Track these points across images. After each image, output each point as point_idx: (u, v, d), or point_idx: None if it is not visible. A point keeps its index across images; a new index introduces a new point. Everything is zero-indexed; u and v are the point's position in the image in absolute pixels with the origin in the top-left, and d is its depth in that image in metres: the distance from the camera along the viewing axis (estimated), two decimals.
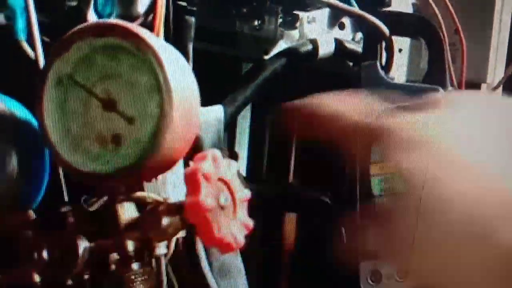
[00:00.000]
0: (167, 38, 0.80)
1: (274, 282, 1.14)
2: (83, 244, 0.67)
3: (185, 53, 0.83)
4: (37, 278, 0.69)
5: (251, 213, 0.71)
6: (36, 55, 0.72)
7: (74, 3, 0.77)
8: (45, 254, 0.68)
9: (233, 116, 0.94)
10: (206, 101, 0.85)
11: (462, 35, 0.99)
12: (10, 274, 0.69)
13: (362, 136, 0.57)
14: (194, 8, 0.84)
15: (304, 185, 1.13)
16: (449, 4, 0.98)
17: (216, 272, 0.86)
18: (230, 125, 0.95)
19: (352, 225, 0.95)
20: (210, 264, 0.86)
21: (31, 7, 0.72)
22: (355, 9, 0.93)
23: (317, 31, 1.01)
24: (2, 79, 0.71)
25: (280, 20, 0.96)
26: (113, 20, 0.76)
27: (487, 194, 0.55)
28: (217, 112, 0.91)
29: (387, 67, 0.98)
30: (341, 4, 0.92)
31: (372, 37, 0.96)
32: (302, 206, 1.04)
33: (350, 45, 1.03)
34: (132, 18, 0.79)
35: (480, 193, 0.55)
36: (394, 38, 0.97)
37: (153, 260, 0.71)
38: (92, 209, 0.72)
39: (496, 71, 1.06)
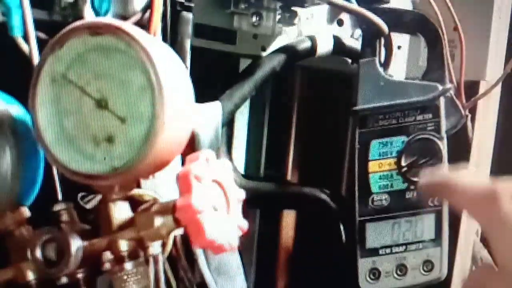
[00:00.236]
0: (164, 35, 0.80)
1: (272, 279, 1.14)
2: (76, 243, 0.67)
3: (182, 50, 0.82)
4: (30, 276, 0.69)
5: (247, 213, 0.71)
6: (31, 52, 0.71)
7: (71, 0, 0.77)
8: (38, 252, 0.67)
9: (231, 113, 0.94)
10: (203, 98, 0.84)
11: (461, 32, 0.98)
12: (3, 272, 0.69)
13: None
14: (192, 4, 0.83)
15: (302, 182, 1.13)
16: (448, 1, 0.97)
17: (214, 270, 0.86)
18: (228, 122, 0.95)
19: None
20: (208, 262, 0.85)
21: (26, 4, 0.71)
22: (354, 5, 0.93)
23: (315, 28, 1.01)
24: None
25: (278, 17, 0.95)
26: (106, 18, 0.76)
27: None
28: (214, 109, 0.90)
29: (386, 64, 0.98)
30: (339, 1, 0.91)
31: (371, 34, 0.96)
32: (300, 203, 1.03)
33: (349, 42, 1.02)
34: (129, 16, 0.79)
35: None
36: (393, 35, 0.97)
37: (150, 259, 0.71)
38: (88, 206, 0.72)
39: (495, 68, 1.06)
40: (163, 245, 0.74)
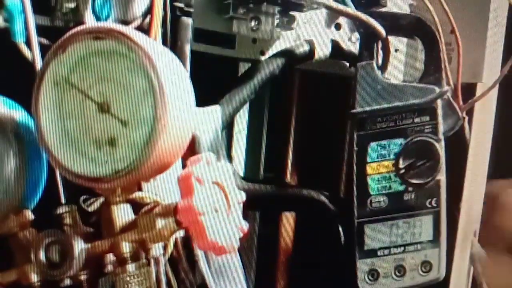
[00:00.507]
0: (164, 40, 0.80)
1: (272, 281, 1.14)
2: (79, 245, 0.67)
3: (182, 54, 0.83)
4: (34, 278, 0.69)
5: (247, 215, 0.72)
6: (33, 57, 0.72)
7: (72, 5, 0.77)
8: (42, 254, 0.68)
9: (231, 116, 0.94)
10: (203, 101, 0.85)
11: (458, 35, 0.99)
12: (7, 274, 0.70)
13: None
14: (191, 10, 0.84)
15: (301, 184, 1.13)
16: (444, 4, 0.98)
17: (214, 271, 0.86)
18: (227, 125, 0.95)
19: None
20: (208, 264, 0.86)
21: (28, 10, 0.72)
22: (351, 10, 0.93)
23: (313, 32, 1.01)
24: (0, 80, 0.71)
25: (276, 21, 0.96)
26: (108, 23, 0.76)
27: None
28: (214, 112, 0.91)
29: (383, 67, 0.98)
30: (337, 5, 0.92)
31: (368, 38, 0.97)
32: (299, 205, 1.04)
33: (347, 46, 1.03)
34: (129, 21, 0.79)
35: None
36: (390, 38, 0.98)
37: (152, 261, 0.72)
38: (91, 209, 0.73)
39: (491, 71, 1.06)
40: (165, 247, 0.74)
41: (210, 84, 0.87)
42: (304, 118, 1.12)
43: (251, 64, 0.98)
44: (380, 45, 0.97)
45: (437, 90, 0.95)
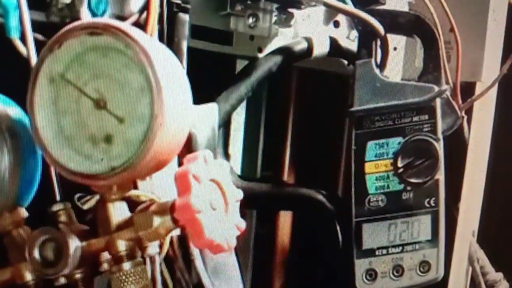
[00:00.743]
0: (161, 36, 0.80)
1: (268, 280, 1.14)
2: (74, 243, 0.67)
3: (179, 51, 0.82)
4: (28, 276, 0.69)
5: (243, 213, 0.71)
6: (28, 53, 0.71)
7: (68, 1, 0.77)
8: (36, 253, 0.67)
9: (228, 114, 0.94)
10: (200, 99, 0.84)
11: (457, 33, 0.98)
12: (1, 272, 0.69)
13: None
14: (188, 6, 0.83)
15: (299, 183, 1.13)
16: (444, 2, 0.98)
17: (210, 271, 0.86)
18: (224, 123, 0.95)
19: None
20: (204, 263, 0.85)
21: (23, 5, 0.71)
22: (350, 7, 0.93)
23: (311, 29, 1.01)
24: None
25: (274, 18, 0.95)
26: (104, 19, 0.76)
27: None
28: (211, 110, 0.90)
29: (382, 66, 0.98)
30: (335, 3, 0.91)
31: (367, 36, 0.96)
32: (297, 204, 1.03)
33: (345, 44, 1.02)
34: (125, 17, 0.79)
35: None
36: (389, 36, 0.97)
37: (147, 259, 0.71)
38: (86, 207, 0.72)
39: (491, 70, 1.06)
40: (160, 246, 0.74)
41: (207, 81, 0.87)
42: (302, 116, 1.12)
43: (249, 61, 0.97)
44: (378, 43, 0.97)
45: (436, 88, 0.94)
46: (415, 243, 0.94)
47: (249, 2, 0.92)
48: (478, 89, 1.07)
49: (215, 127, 0.90)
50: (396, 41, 1.06)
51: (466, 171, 1.08)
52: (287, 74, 1.09)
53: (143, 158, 0.62)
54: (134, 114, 0.62)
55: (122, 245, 0.67)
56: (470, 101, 1.03)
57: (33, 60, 0.71)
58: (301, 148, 1.13)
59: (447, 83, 0.98)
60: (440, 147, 0.94)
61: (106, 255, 0.69)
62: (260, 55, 0.97)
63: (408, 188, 0.94)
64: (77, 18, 0.76)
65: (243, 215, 0.71)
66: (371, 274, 0.95)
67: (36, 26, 0.73)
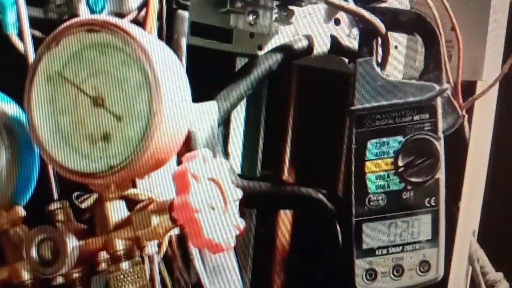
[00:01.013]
0: (160, 33, 0.79)
1: (268, 280, 1.14)
2: (72, 243, 0.66)
3: (178, 49, 0.82)
4: (25, 276, 0.68)
5: (243, 212, 0.71)
6: (26, 50, 0.71)
7: None
8: (33, 252, 0.67)
9: (227, 112, 0.94)
10: (199, 97, 0.84)
11: (458, 32, 0.98)
12: None
13: None
14: (188, 3, 0.83)
15: (299, 182, 1.13)
16: (445, 1, 0.97)
17: (209, 270, 0.86)
18: (224, 121, 0.94)
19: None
20: (203, 262, 0.85)
21: (21, 1, 0.71)
22: (351, 5, 0.93)
23: (312, 27, 1.00)
24: None
25: (275, 16, 0.95)
26: (102, 16, 0.75)
27: None
28: (211, 108, 0.90)
29: (383, 64, 0.98)
30: (336, 0, 0.91)
31: (368, 34, 0.96)
32: (297, 203, 1.03)
33: (346, 42, 1.02)
34: (124, 14, 0.78)
35: None
36: (390, 34, 0.97)
37: (146, 259, 0.71)
38: (84, 205, 0.72)
39: (492, 69, 1.06)
40: (159, 245, 0.74)
41: (206, 79, 0.87)
42: (302, 114, 1.12)
43: (249, 59, 0.97)
44: (379, 41, 0.97)
45: (437, 87, 0.94)
46: (415, 242, 0.94)
47: None
48: (479, 88, 1.06)
49: (214, 125, 0.90)
50: (397, 39, 1.06)
51: (466, 171, 1.07)
52: (287, 72, 1.08)
53: (141, 156, 0.62)
54: (133, 112, 0.62)
55: (120, 245, 0.67)
56: (471, 100, 1.03)
57: (31, 57, 0.70)
58: (301, 147, 1.13)
59: (448, 82, 0.98)
60: (440, 146, 0.94)
61: (104, 255, 0.68)
62: (260, 53, 0.97)
63: (409, 187, 0.94)
64: (75, 15, 0.75)
65: (242, 214, 0.71)
66: (371, 274, 0.95)
67: (34, 23, 0.72)
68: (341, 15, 1.03)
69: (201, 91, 0.79)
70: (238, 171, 1.02)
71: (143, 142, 0.62)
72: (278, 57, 0.96)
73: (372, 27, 0.95)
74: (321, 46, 0.99)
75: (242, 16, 0.93)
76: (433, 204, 0.94)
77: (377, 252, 0.95)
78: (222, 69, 0.98)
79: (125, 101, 0.62)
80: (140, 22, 0.76)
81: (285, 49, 0.97)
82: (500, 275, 1.11)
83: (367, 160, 0.95)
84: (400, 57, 1.08)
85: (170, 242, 0.80)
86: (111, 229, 0.68)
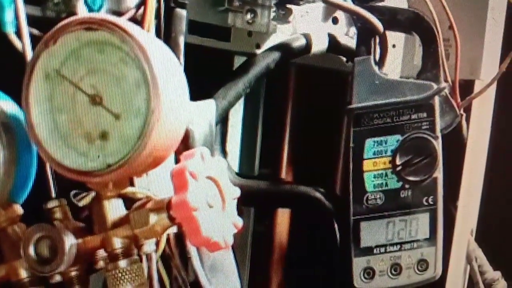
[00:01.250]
0: (158, 32, 0.79)
1: (266, 278, 1.14)
2: (69, 241, 0.66)
3: (176, 47, 0.82)
4: (23, 274, 0.68)
5: (241, 211, 0.71)
6: (24, 48, 0.71)
7: None
8: (31, 250, 0.67)
9: (225, 111, 0.94)
10: (197, 95, 0.84)
11: (456, 31, 0.98)
12: None
13: None
14: (186, 1, 0.83)
15: (297, 180, 1.13)
16: (443, 0, 0.97)
17: (207, 269, 0.86)
18: (222, 120, 0.94)
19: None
20: (201, 260, 0.85)
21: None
22: (349, 4, 0.93)
23: (310, 26, 1.00)
24: None
25: (273, 14, 0.95)
26: (100, 14, 0.75)
27: None
28: (208, 106, 0.90)
29: (381, 63, 0.98)
30: None
31: (366, 32, 0.96)
32: (294, 202, 1.03)
33: (344, 40, 1.02)
34: (122, 12, 0.78)
35: None
36: (388, 33, 0.97)
37: (144, 257, 0.71)
38: (82, 204, 0.72)
39: (490, 68, 1.06)
40: (157, 243, 0.74)
41: (204, 78, 0.86)
42: (300, 113, 1.12)
43: (247, 58, 0.97)
44: (377, 40, 0.97)
45: (435, 86, 0.94)
46: (413, 241, 0.94)
47: None
48: (477, 87, 1.07)
49: (212, 123, 0.90)
50: (395, 38, 1.06)
51: (464, 169, 1.08)
52: (285, 71, 1.08)
53: (139, 154, 0.62)
54: (130, 110, 0.62)
55: (118, 243, 0.67)
56: (469, 99, 1.03)
57: (29, 55, 0.70)
58: (299, 146, 1.13)
59: (446, 81, 0.98)
60: (438, 145, 0.94)
61: (102, 253, 0.68)
62: (258, 51, 0.97)
63: (406, 186, 0.94)
64: (73, 13, 0.75)
65: (240, 213, 0.71)
66: (369, 273, 0.95)
67: (32, 21, 0.72)
68: (339, 14, 1.03)
69: (199, 90, 0.79)
70: (236, 169, 1.02)
71: (141, 140, 0.61)
72: (276, 55, 0.96)
73: (370, 26, 0.95)
74: (319, 45, 0.99)
75: (240, 15, 0.93)
76: (431, 202, 0.94)
77: (375, 251, 0.95)
78: (220, 67, 0.98)
79: (123, 99, 0.62)
80: (138, 21, 0.76)
81: (283, 48, 0.97)
82: (498, 274, 1.11)
83: (365, 159, 0.95)
84: (398, 56, 1.08)
85: (168, 240, 0.79)
86: (109, 227, 0.67)
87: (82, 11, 0.75)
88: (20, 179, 0.69)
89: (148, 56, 0.61)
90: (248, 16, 0.93)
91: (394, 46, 1.06)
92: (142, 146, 0.61)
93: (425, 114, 0.94)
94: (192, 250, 0.84)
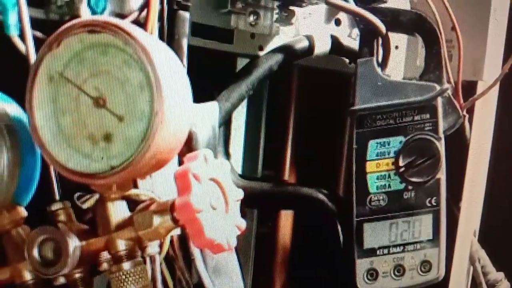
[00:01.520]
0: (161, 34, 0.79)
1: (269, 280, 1.14)
2: (73, 243, 0.66)
3: (179, 49, 0.82)
4: (27, 276, 0.68)
5: (244, 212, 0.71)
6: (27, 51, 0.71)
7: None
8: (35, 252, 0.67)
9: (228, 113, 0.94)
10: (201, 97, 0.84)
11: (458, 32, 0.98)
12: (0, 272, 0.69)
13: None
14: (189, 4, 0.83)
15: (300, 182, 1.13)
16: (446, 1, 0.97)
17: (211, 270, 0.86)
18: (225, 122, 0.94)
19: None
20: (205, 262, 0.85)
21: (22, 2, 0.71)
22: (352, 5, 0.93)
23: (313, 28, 1.00)
24: None
25: (275, 16, 0.95)
26: (104, 16, 0.75)
27: None
28: (212, 108, 0.90)
29: (384, 64, 0.97)
30: (337, 0, 0.91)
31: (369, 34, 0.96)
32: (298, 203, 1.03)
33: (346, 42, 1.02)
34: (125, 14, 0.78)
35: None
36: (390, 35, 0.97)
37: (147, 259, 0.71)
38: (86, 206, 0.72)
39: (492, 69, 1.06)
40: (161, 245, 0.74)
41: (207, 80, 0.86)
42: (303, 115, 1.12)
43: (250, 60, 0.97)
44: (380, 41, 0.96)
45: (438, 87, 0.94)
46: (416, 242, 0.94)
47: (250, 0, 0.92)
48: (479, 88, 1.06)
49: (215, 125, 0.90)
50: (398, 39, 1.06)
51: (467, 170, 1.07)
52: (288, 73, 1.08)
53: (142, 157, 0.62)
54: (134, 112, 0.62)
55: (121, 245, 0.67)
56: (472, 100, 1.03)
57: (32, 57, 0.70)
58: (302, 147, 1.13)
59: (449, 82, 0.98)
60: (441, 146, 0.94)
61: (105, 255, 0.68)
62: (261, 53, 0.97)
63: (410, 187, 0.94)
64: (77, 15, 0.75)
65: (243, 214, 0.71)
66: (372, 274, 0.95)
67: (35, 24, 0.72)
68: (341, 16, 1.03)
69: (202, 92, 0.79)
70: (239, 171, 1.02)
71: (145, 142, 0.62)
72: (279, 57, 0.96)
73: (373, 27, 0.94)
74: (322, 47, 0.99)
75: (243, 17, 0.93)
76: (434, 204, 0.94)
77: (378, 252, 0.94)
78: (223, 69, 0.98)
79: (127, 101, 0.62)
80: (141, 23, 0.76)
81: (286, 50, 0.97)
82: (501, 275, 1.11)
83: (368, 160, 0.94)
84: (400, 57, 1.08)
85: (171, 242, 0.79)
86: (113, 229, 0.68)
87: (85, 14, 0.76)
88: (24, 182, 0.69)
89: (151, 59, 0.61)
90: (251, 18, 0.93)
91: (396, 47, 1.06)
92: (145, 148, 0.62)
93: (428, 115, 0.94)
94: (195, 252, 0.84)
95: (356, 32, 1.02)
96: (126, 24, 0.63)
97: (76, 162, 0.63)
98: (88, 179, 0.64)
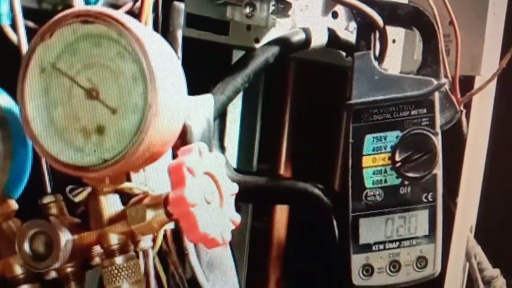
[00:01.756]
0: (155, 25, 0.79)
1: (264, 275, 1.13)
2: (65, 237, 0.66)
3: (174, 41, 0.82)
4: (18, 270, 0.68)
5: (239, 207, 0.71)
6: (19, 41, 0.70)
7: None
8: (26, 246, 0.66)
9: (224, 106, 0.93)
10: (195, 90, 0.84)
11: (456, 26, 0.98)
12: None
13: None
14: None
15: (295, 176, 1.12)
16: None
17: (205, 265, 0.85)
18: (220, 115, 0.94)
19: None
20: (199, 257, 0.85)
21: None
22: None
23: (309, 20, 1.00)
24: None
25: (272, 8, 0.94)
26: (97, 7, 0.75)
27: None
28: (206, 101, 0.90)
29: (381, 58, 0.97)
30: None
31: (366, 27, 0.95)
32: (293, 198, 1.03)
33: (343, 35, 1.02)
34: (119, 5, 0.78)
35: None
36: (388, 28, 0.96)
37: (140, 253, 0.71)
38: (78, 199, 0.71)
39: (490, 64, 1.05)
40: (154, 240, 0.74)
41: (202, 72, 0.86)
42: (299, 108, 1.12)
43: (245, 52, 0.96)
44: (377, 35, 0.96)
45: (435, 82, 0.94)
46: (412, 238, 0.94)
47: None
48: (477, 83, 1.06)
49: (210, 118, 0.89)
50: (395, 33, 1.06)
51: (464, 166, 1.07)
52: (285, 66, 1.08)
53: (136, 150, 0.61)
54: (127, 105, 0.61)
55: (114, 239, 0.66)
56: (469, 95, 1.03)
57: (24, 48, 0.70)
58: (298, 141, 1.12)
59: (446, 76, 0.98)
60: (438, 141, 0.93)
61: (98, 249, 0.68)
62: (257, 46, 0.96)
63: (406, 182, 0.94)
64: (70, 5, 0.74)
65: (238, 209, 0.71)
66: (368, 270, 0.95)
67: (28, 13, 0.71)
68: (339, 8, 1.03)
69: (197, 84, 0.79)
70: (234, 165, 1.02)
71: (138, 135, 0.61)
72: (275, 50, 0.95)
73: (370, 20, 0.94)
74: (319, 39, 0.99)
75: (239, 8, 0.92)
76: (430, 199, 0.94)
77: (373, 248, 0.94)
78: (218, 61, 0.97)
79: (120, 93, 0.61)
80: (135, 14, 0.75)
81: (282, 42, 0.96)
82: (497, 272, 1.11)
83: (364, 155, 0.94)
84: (398, 51, 1.08)
85: (165, 236, 0.79)
86: (105, 223, 0.67)
87: (78, 4, 0.75)
88: (15, 174, 0.69)
89: (145, 50, 0.60)
90: (247, 9, 0.93)
91: (394, 41, 1.06)
92: (139, 141, 0.61)
93: (425, 110, 0.93)
94: (189, 246, 0.83)
95: (353, 25, 1.02)
96: (120, 14, 0.63)
97: (68, 155, 0.63)
98: (80, 172, 0.63)
